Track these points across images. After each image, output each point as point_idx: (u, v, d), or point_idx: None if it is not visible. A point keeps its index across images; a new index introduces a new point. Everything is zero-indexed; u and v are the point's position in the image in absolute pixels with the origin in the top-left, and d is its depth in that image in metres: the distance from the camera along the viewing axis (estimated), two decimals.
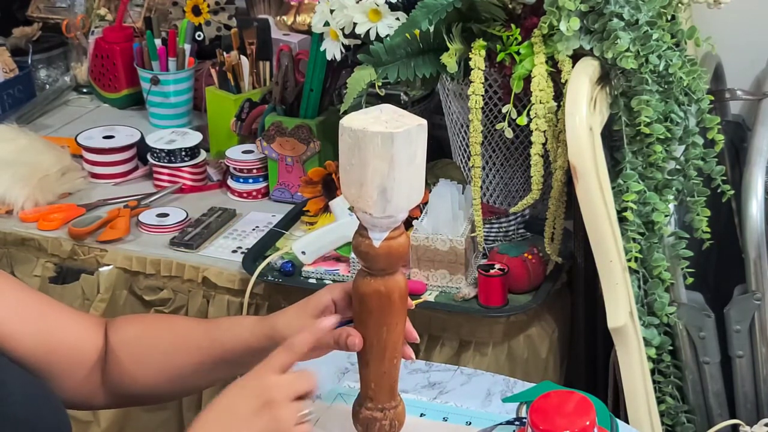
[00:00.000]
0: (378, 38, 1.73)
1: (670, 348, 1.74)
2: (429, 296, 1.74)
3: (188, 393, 1.52)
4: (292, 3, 2.44)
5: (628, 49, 1.58)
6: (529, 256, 1.74)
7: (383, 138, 1.09)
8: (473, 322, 1.73)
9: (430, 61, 1.70)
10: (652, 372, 1.70)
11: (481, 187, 1.74)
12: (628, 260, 1.62)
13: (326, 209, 1.93)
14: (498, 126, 1.70)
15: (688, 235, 1.70)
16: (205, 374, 1.36)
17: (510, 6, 1.69)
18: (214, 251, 1.93)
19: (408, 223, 1.74)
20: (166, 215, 2.02)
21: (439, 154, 2.03)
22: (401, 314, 1.22)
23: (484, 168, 1.88)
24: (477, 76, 1.66)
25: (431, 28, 1.66)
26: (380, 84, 1.68)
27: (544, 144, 1.65)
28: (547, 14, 1.62)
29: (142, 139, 2.21)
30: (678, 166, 1.70)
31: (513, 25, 1.68)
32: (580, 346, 1.80)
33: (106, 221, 1.99)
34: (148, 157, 2.17)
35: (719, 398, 1.80)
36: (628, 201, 1.61)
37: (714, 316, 1.75)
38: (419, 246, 1.73)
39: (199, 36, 2.48)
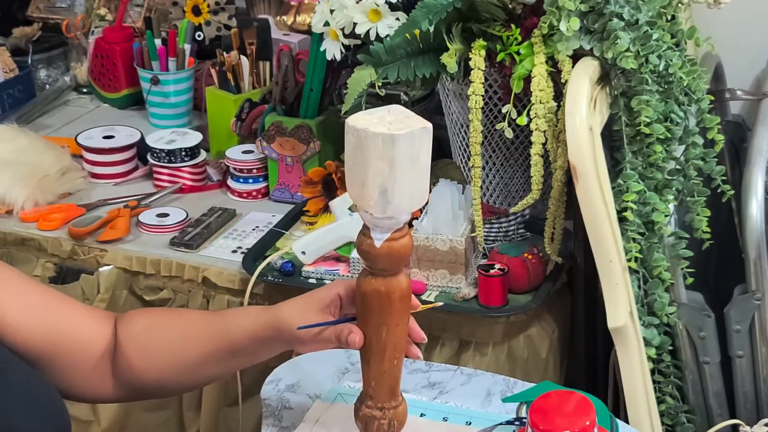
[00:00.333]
0: (378, 38, 1.73)
1: (670, 348, 1.74)
2: (429, 296, 1.75)
3: (197, 385, 1.52)
4: (292, 3, 2.44)
5: (628, 49, 1.58)
6: (529, 256, 1.74)
7: (384, 139, 1.10)
8: (473, 322, 1.73)
9: (430, 61, 1.70)
10: (652, 372, 1.70)
11: (481, 187, 1.74)
12: (628, 260, 1.62)
13: (326, 209, 1.93)
14: (498, 126, 1.70)
15: (688, 235, 1.70)
16: (212, 365, 1.36)
17: (510, 6, 1.69)
18: (214, 251, 1.93)
19: (408, 223, 1.73)
20: (166, 215, 2.02)
21: (439, 154, 2.03)
22: (402, 315, 1.21)
23: (484, 168, 1.88)
24: (477, 76, 1.66)
25: (431, 28, 1.66)
26: (380, 84, 1.68)
27: (544, 144, 1.65)
28: (547, 14, 1.62)
29: (142, 139, 2.21)
30: (678, 166, 1.70)
31: (513, 25, 1.69)
32: (580, 346, 1.80)
33: (106, 221, 1.99)
34: (148, 157, 2.17)
35: (719, 398, 1.80)
36: (628, 201, 1.61)
37: (714, 316, 1.75)
38: (419, 246, 1.73)
39: (199, 36, 2.48)
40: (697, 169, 1.69)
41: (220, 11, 2.54)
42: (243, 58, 2.23)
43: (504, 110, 1.69)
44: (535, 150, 1.65)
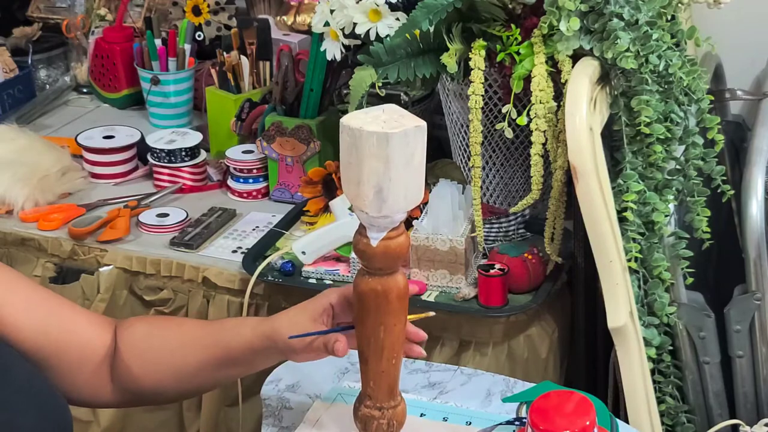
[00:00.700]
0: (378, 38, 1.73)
1: (670, 348, 1.74)
2: (429, 296, 1.75)
3: (194, 393, 1.53)
4: (292, 3, 2.44)
5: (628, 49, 1.58)
6: (529, 256, 1.74)
7: (379, 138, 1.10)
8: (473, 322, 1.73)
9: (430, 61, 1.70)
10: (652, 372, 1.70)
11: (481, 187, 1.74)
12: (628, 260, 1.62)
13: (326, 209, 1.93)
14: (498, 126, 1.70)
15: (688, 235, 1.70)
16: (210, 373, 1.37)
17: (510, 6, 1.69)
18: (214, 251, 1.93)
19: (408, 223, 1.74)
20: (166, 215, 2.02)
21: (439, 154, 2.03)
22: (400, 314, 1.21)
23: (484, 168, 1.88)
24: (477, 76, 1.66)
25: (431, 28, 1.66)
26: (380, 84, 1.68)
27: (544, 144, 1.65)
28: (547, 14, 1.62)
29: (142, 139, 2.21)
30: (678, 166, 1.70)
31: (513, 25, 1.68)
32: (580, 346, 1.80)
33: (106, 221, 1.99)
34: (148, 157, 2.17)
35: (719, 398, 1.80)
36: (628, 201, 1.61)
37: (714, 316, 1.75)
38: (419, 246, 1.73)
39: (199, 36, 2.48)
40: (697, 169, 1.69)
41: (220, 11, 2.54)
42: (243, 58, 2.23)
43: (504, 110, 1.69)
44: (535, 150, 1.65)
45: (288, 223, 1.98)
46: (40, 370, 1.32)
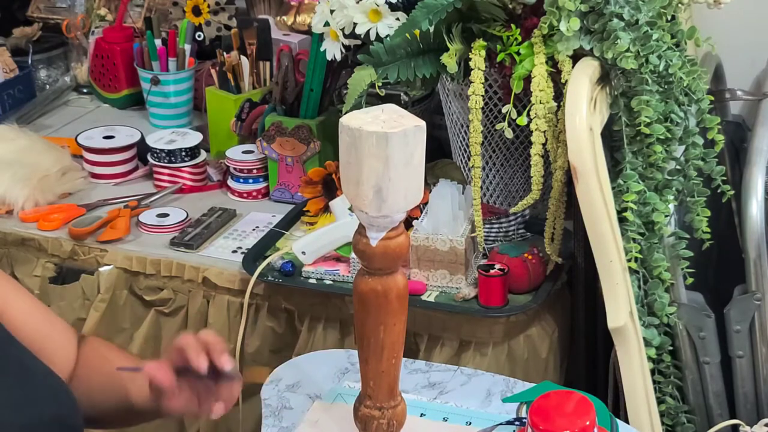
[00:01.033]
0: (378, 38, 1.73)
1: (670, 348, 1.74)
2: (429, 296, 1.75)
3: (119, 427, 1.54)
4: (292, 3, 2.44)
5: (628, 50, 1.58)
6: (529, 256, 1.74)
7: (378, 138, 1.10)
8: (473, 322, 1.73)
9: (430, 61, 1.70)
10: (652, 372, 1.70)
11: (481, 187, 1.74)
12: (628, 260, 1.62)
13: (326, 209, 1.93)
14: (498, 126, 1.70)
15: (688, 235, 1.70)
16: (115, 415, 1.40)
17: (510, 6, 1.69)
18: (214, 251, 1.93)
19: (408, 223, 1.74)
20: (166, 215, 2.02)
21: (439, 154, 2.03)
22: (399, 314, 1.22)
23: (484, 168, 1.88)
24: (477, 76, 1.66)
25: (431, 28, 1.66)
26: (380, 84, 1.68)
27: (544, 144, 1.65)
28: (547, 14, 1.62)
29: (143, 139, 2.21)
30: (678, 166, 1.70)
31: (513, 25, 1.68)
32: (580, 346, 1.80)
33: (107, 221, 1.99)
34: (149, 157, 2.17)
35: (719, 398, 1.80)
36: (628, 201, 1.61)
37: (714, 316, 1.75)
38: (419, 246, 1.73)
39: (199, 36, 2.48)
40: (697, 169, 1.69)
41: (220, 11, 2.54)
42: (243, 58, 2.23)
43: (504, 110, 1.69)
44: (535, 150, 1.65)
45: (288, 223, 1.98)
46: None
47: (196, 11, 2.48)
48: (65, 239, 1.98)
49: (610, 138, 1.67)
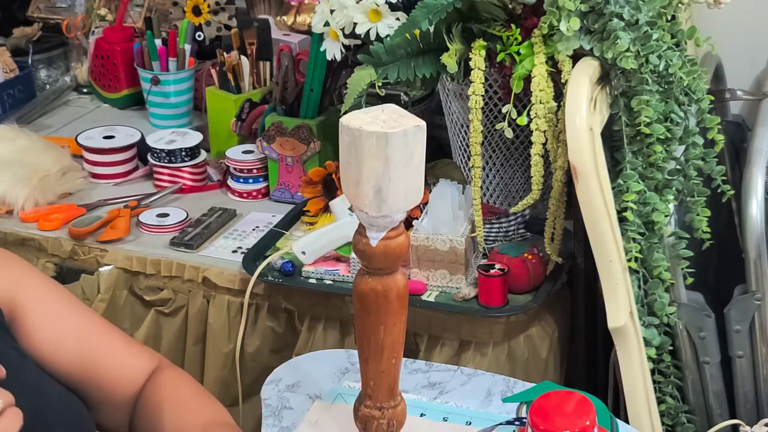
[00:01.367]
0: (378, 38, 1.73)
1: (670, 348, 1.74)
2: (429, 296, 1.75)
3: None
4: (293, 3, 2.44)
5: (628, 49, 1.58)
6: (529, 256, 1.74)
7: (378, 138, 1.10)
8: (473, 322, 1.73)
9: (430, 61, 1.70)
10: (652, 372, 1.70)
11: (481, 187, 1.74)
12: (628, 260, 1.62)
13: (326, 209, 1.93)
14: (498, 126, 1.70)
15: (688, 235, 1.70)
16: None
17: (510, 6, 1.69)
18: (214, 251, 1.93)
19: (408, 223, 1.74)
20: (166, 215, 2.02)
21: (439, 154, 2.03)
22: (399, 314, 1.21)
23: (484, 168, 1.88)
24: (477, 76, 1.66)
25: (431, 28, 1.66)
26: (380, 84, 1.68)
27: (544, 144, 1.65)
28: (547, 14, 1.62)
29: (143, 139, 2.21)
30: (678, 166, 1.70)
31: (513, 25, 1.68)
32: (580, 346, 1.80)
33: (107, 221, 1.99)
34: (149, 157, 2.17)
35: (719, 398, 1.80)
36: (628, 201, 1.61)
37: (714, 316, 1.75)
38: (419, 246, 1.73)
39: (199, 36, 2.48)
40: (697, 169, 1.69)
41: (221, 11, 2.54)
42: (243, 58, 2.23)
43: (504, 110, 1.69)
44: (535, 150, 1.65)
45: (288, 223, 1.98)
46: (74, 392, 1.33)
47: (196, 11, 2.48)
48: (65, 239, 1.98)
49: (610, 138, 1.67)
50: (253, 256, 1.86)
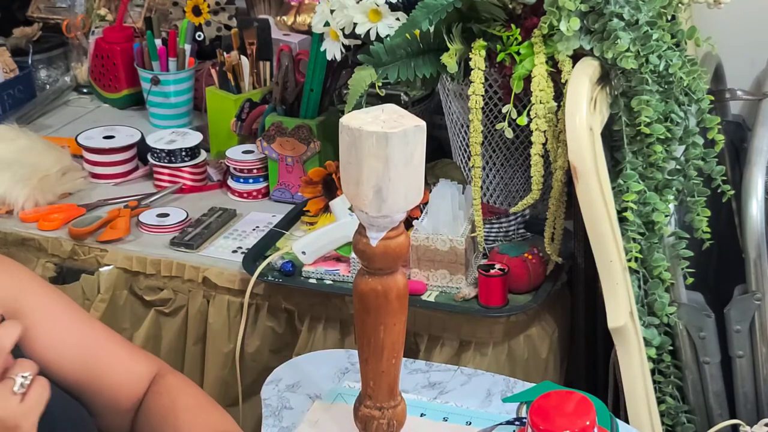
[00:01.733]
0: (378, 38, 1.73)
1: (670, 348, 1.74)
2: (429, 296, 1.75)
3: None
4: (293, 3, 2.44)
5: (628, 49, 1.58)
6: (529, 256, 1.74)
7: (378, 138, 1.10)
8: (473, 322, 1.73)
9: (430, 61, 1.70)
10: (652, 372, 1.70)
11: (481, 187, 1.74)
12: (628, 260, 1.62)
13: (326, 209, 1.93)
14: (498, 126, 1.70)
15: (688, 235, 1.70)
16: None
17: (510, 6, 1.69)
18: (214, 251, 1.93)
19: (408, 223, 1.74)
20: (166, 215, 2.02)
21: (439, 154, 2.03)
22: (399, 314, 1.21)
23: (484, 168, 1.88)
24: (477, 76, 1.66)
25: (431, 28, 1.66)
26: (380, 84, 1.68)
27: (544, 144, 1.65)
28: (547, 14, 1.62)
29: (143, 139, 2.21)
30: (678, 166, 1.70)
31: (513, 25, 1.68)
32: (580, 346, 1.80)
33: (107, 221, 1.99)
34: (149, 157, 2.17)
35: (719, 398, 1.80)
36: (628, 201, 1.61)
37: (714, 316, 1.75)
38: (419, 246, 1.73)
39: (199, 36, 2.48)
40: (697, 169, 1.69)
41: (221, 11, 2.54)
42: (243, 58, 2.23)
43: (504, 110, 1.69)
44: (535, 150, 1.65)
45: (288, 223, 1.98)
46: (77, 399, 1.33)
47: (196, 11, 2.48)
48: (65, 239, 1.98)
49: (610, 138, 1.67)
50: (253, 256, 1.86)
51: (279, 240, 1.93)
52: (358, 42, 1.80)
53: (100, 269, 1.94)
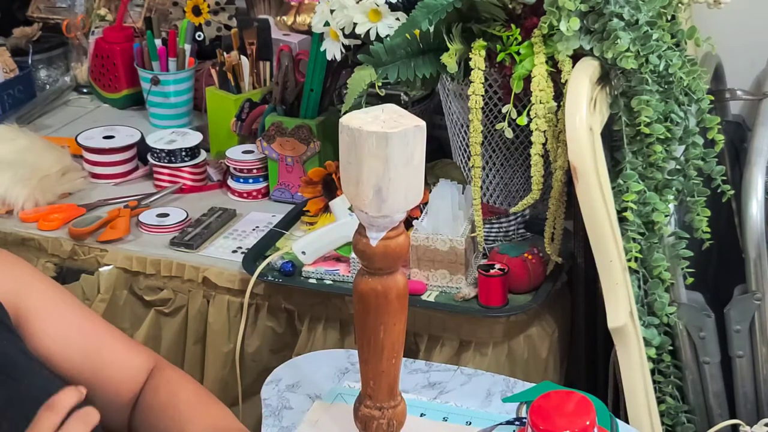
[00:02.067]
0: (378, 38, 1.73)
1: (670, 348, 1.74)
2: (429, 296, 1.75)
3: None
4: (292, 3, 2.44)
5: (628, 49, 1.58)
6: (529, 256, 1.74)
7: (378, 138, 1.10)
8: (473, 322, 1.73)
9: (430, 61, 1.70)
10: (652, 372, 1.70)
11: (481, 187, 1.74)
12: (628, 260, 1.62)
13: (326, 209, 1.93)
14: (498, 126, 1.70)
15: (688, 235, 1.70)
16: None
17: (510, 6, 1.69)
18: (214, 251, 1.93)
19: (408, 223, 1.74)
20: (166, 215, 2.02)
21: (439, 154, 2.03)
22: (399, 314, 1.22)
23: (484, 168, 1.88)
24: (477, 76, 1.66)
25: (431, 28, 1.66)
26: (380, 84, 1.68)
27: (544, 144, 1.65)
28: (547, 14, 1.62)
29: (143, 139, 2.21)
30: (678, 166, 1.70)
31: (513, 25, 1.68)
32: (580, 346, 1.80)
33: (107, 221, 1.99)
34: (149, 157, 2.17)
35: (719, 398, 1.80)
36: (628, 201, 1.61)
37: (714, 316, 1.75)
38: (419, 246, 1.73)
39: (199, 36, 2.48)
40: (697, 169, 1.69)
41: (220, 11, 2.54)
42: (243, 58, 2.23)
43: (504, 110, 1.69)
44: (535, 150, 1.65)
45: (288, 223, 1.98)
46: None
47: (196, 11, 2.48)
48: (65, 239, 1.98)
49: (610, 138, 1.67)
50: (253, 256, 1.86)
51: (279, 240, 1.93)
52: (358, 42, 1.80)
53: (100, 269, 1.94)
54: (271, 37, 2.29)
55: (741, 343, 1.76)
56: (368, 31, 1.75)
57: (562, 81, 1.63)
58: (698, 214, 1.69)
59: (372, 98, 1.69)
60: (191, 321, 1.91)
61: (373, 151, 1.10)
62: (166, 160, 2.14)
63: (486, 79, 1.71)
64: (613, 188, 1.60)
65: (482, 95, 1.66)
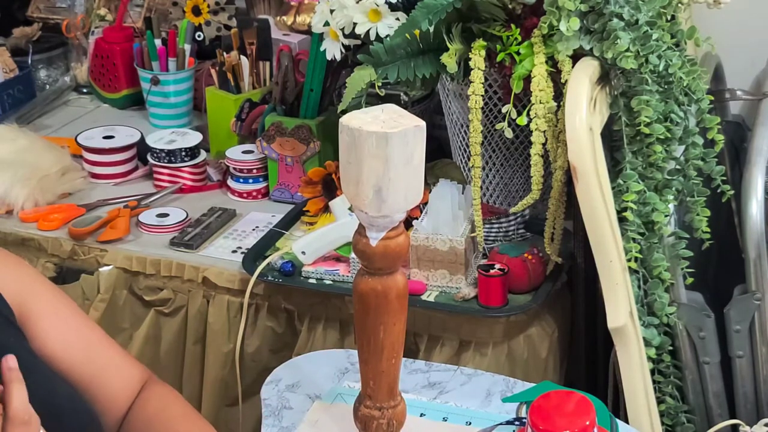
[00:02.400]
0: (378, 38, 1.73)
1: (670, 348, 1.74)
2: (429, 296, 1.75)
3: None
4: (292, 3, 2.44)
5: (628, 49, 1.58)
6: (529, 256, 1.74)
7: (378, 138, 1.10)
8: (473, 322, 1.73)
9: (430, 61, 1.70)
10: (652, 372, 1.70)
11: (481, 187, 1.74)
12: (628, 260, 1.62)
13: (326, 209, 1.93)
14: (498, 126, 1.70)
15: (688, 235, 1.70)
16: None
17: (510, 6, 1.69)
18: (214, 251, 1.93)
19: (408, 223, 1.74)
20: (166, 215, 2.02)
21: (439, 154, 2.03)
22: (399, 314, 1.22)
23: (484, 168, 1.88)
24: (477, 76, 1.66)
25: (431, 28, 1.66)
26: (380, 84, 1.68)
27: (544, 144, 1.65)
28: (547, 14, 1.62)
29: (142, 139, 2.21)
30: (678, 166, 1.70)
31: (513, 25, 1.68)
32: (580, 346, 1.80)
33: (106, 221, 1.99)
34: (148, 157, 2.17)
35: (719, 398, 1.80)
36: (628, 201, 1.61)
37: (714, 316, 1.75)
38: (419, 246, 1.73)
39: (199, 36, 2.48)
40: (697, 169, 1.69)
41: (220, 11, 2.54)
42: (243, 58, 2.23)
43: (504, 110, 1.69)
44: (535, 150, 1.65)
45: (288, 223, 1.98)
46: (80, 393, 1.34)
47: (196, 11, 2.48)
48: (65, 239, 1.98)
49: (610, 138, 1.67)
50: (253, 256, 1.86)
51: (279, 240, 1.93)
52: (358, 42, 1.80)
53: (100, 269, 1.94)
54: (271, 37, 2.29)
55: (741, 343, 1.76)
56: (368, 31, 1.75)
57: (562, 81, 1.63)
58: (698, 214, 1.69)
59: (372, 98, 1.69)
60: (191, 321, 1.91)
61: (373, 151, 1.10)
62: (165, 160, 2.14)
63: (486, 79, 1.71)
64: (613, 188, 1.60)
65: (482, 95, 1.66)
